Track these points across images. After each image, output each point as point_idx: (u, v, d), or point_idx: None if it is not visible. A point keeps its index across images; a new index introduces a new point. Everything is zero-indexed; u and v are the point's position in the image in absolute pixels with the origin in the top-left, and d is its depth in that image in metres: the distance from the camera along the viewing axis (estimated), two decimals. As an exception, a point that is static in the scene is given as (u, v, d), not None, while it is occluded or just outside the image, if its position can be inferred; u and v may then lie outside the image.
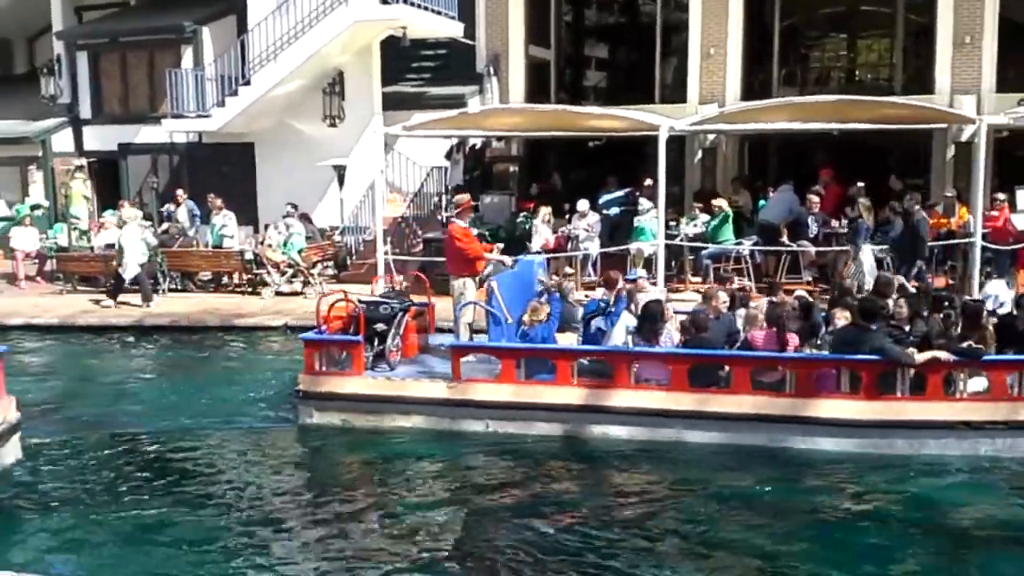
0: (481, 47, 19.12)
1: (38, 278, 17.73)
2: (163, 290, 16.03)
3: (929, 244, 12.92)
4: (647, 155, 15.38)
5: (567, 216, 15.66)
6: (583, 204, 15.17)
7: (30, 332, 14.05)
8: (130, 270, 15.08)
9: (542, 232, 15.12)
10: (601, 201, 16.23)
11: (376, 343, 9.47)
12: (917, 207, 12.90)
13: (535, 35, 19.50)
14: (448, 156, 18.00)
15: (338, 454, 8.84)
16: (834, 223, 14.47)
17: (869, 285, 10.91)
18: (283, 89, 18.03)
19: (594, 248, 15.02)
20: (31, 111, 20.47)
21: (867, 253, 12.38)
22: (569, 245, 15.10)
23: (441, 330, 11.16)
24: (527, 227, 15.85)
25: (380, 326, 9.42)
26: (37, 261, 17.95)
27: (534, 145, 18.76)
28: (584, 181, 17.52)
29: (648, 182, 15.70)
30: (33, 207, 19.00)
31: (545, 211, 15.29)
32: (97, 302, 15.46)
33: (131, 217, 16.20)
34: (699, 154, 17.96)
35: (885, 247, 13.05)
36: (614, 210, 16.20)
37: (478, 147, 18.72)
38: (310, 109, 18.48)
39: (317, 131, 18.47)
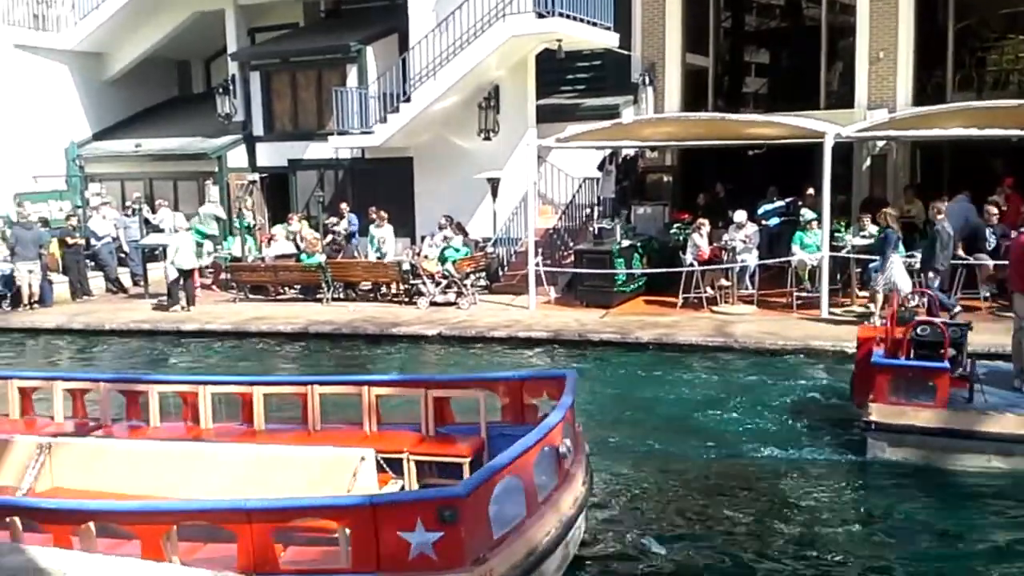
0: (637, 57, 18.95)
1: (213, 287, 18.80)
2: (327, 299, 16.67)
3: None
4: (810, 163, 14.80)
5: (722, 226, 15.28)
6: (740, 215, 14.74)
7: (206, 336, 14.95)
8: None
9: (698, 243, 14.80)
10: (760, 211, 15.75)
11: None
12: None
13: (692, 42, 19.17)
14: (601, 167, 17.91)
15: (923, 496, 7.55)
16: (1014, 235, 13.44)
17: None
18: (441, 105, 18.43)
19: (752, 260, 14.57)
20: (208, 129, 21.78)
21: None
22: (725, 257, 14.70)
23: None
24: (680, 238, 15.56)
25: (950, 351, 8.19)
26: (212, 271, 19.03)
27: (688, 155, 18.41)
28: (741, 191, 17.04)
29: (810, 191, 15.11)
30: (214, 218, 20.18)
31: (703, 222, 14.97)
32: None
33: (294, 230, 16.94)
34: (867, 162, 17.14)
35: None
36: (774, 221, 15.68)
37: (631, 157, 18.55)
38: (466, 123, 18.81)
39: (472, 144, 18.78)
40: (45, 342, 15.83)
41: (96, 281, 18.97)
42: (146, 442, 7.14)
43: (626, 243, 15.44)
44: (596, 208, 17.72)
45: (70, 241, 18.39)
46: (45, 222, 18.26)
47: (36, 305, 17.34)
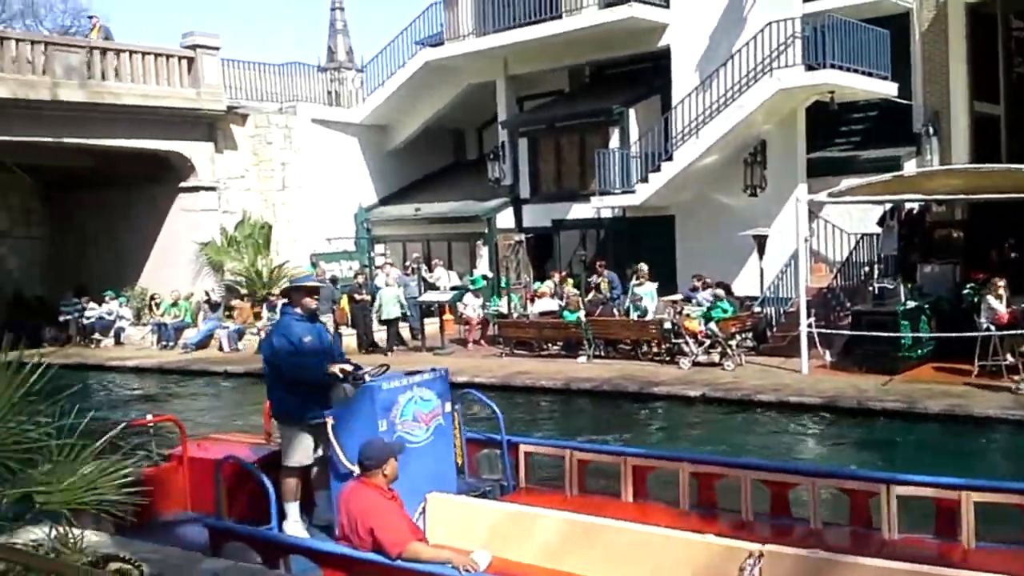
0: (918, 105, 17.76)
1: (482, 342, 19.53)
2: (589, 356, 16.77)
3: None
4: None
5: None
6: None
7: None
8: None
9: (993, 305, 13.38)
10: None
11: None
12: None
13: (980, 89, 17.68)
14: (881, 223, 16.79)
15: None
16: None
17: None
18: (704, 162, 18.21)
19: (1059, 324, 12.93)
20: (479, 192, 22.89)
21: None
22: (1028, 320, 13.16)
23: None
24: (974, 299, 14.15)
25: None
26: (480, 326, 19.80)
27: (980, 209, 16.82)
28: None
29: None
30: (482, 277, 21.17)
31: (999, 282, 13.55)
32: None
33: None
34: None
35: None
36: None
37: (916, 212, 17.26)
38: (730, 180, 18.42)
39: (737, 201, 18.33)
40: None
41: (379, 334, 20.32)
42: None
43: (912, 304, 14.28)
44: (876, 266, 16.61)
45: (358, 297, 19.87)
46: (334, 280, 19.85)
47: (326, 356, 18.80)
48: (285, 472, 6.29)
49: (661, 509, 6.64)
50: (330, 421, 6.03)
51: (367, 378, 6.19)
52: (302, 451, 6.37)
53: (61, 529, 4.41)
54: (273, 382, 6.52)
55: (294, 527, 6.22)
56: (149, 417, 7.26)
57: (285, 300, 6.90)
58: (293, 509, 6.28)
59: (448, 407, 6.53)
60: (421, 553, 5.14)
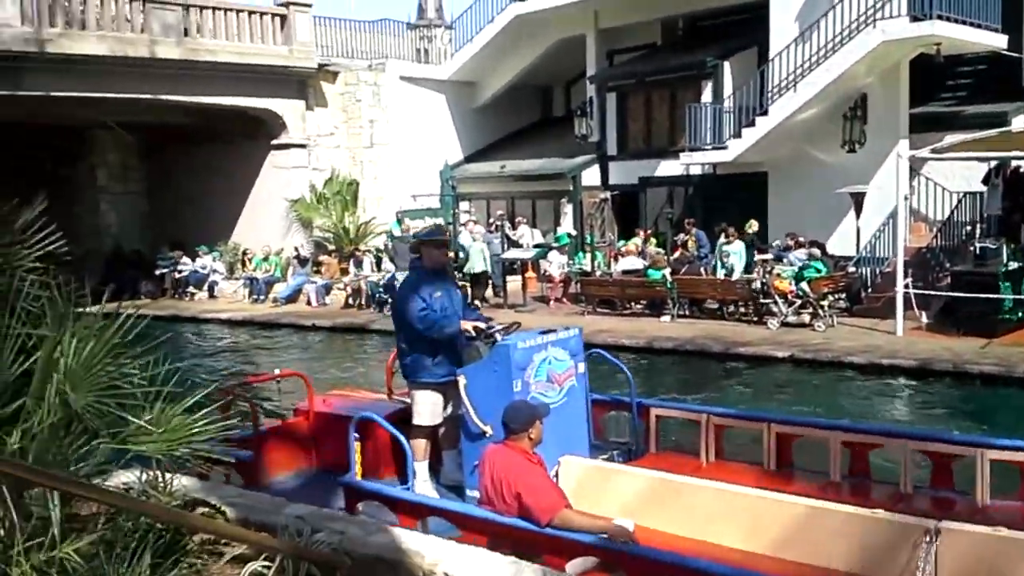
0: (1031, 58, 16.78)
1: (564, 299, 19.43)
2: (672, 315, 16.52)
3: None
4: None
5: None
6: None
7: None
8: None
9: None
10: None
11: None
12: None
13: (1097, 41, 16.59)
14: (986, 181, 15.97)
15: None
16: None
17: None
18: (800, 116, 17.59)
19: None
20: (566, 150, 22.65)
21: None
22: None
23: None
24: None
25: None
26: (563, 285, 19.69)
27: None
28: None
29: None
30: (567, 235, 21.00)
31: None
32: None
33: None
34: None
35: None
36: None
37: (1022, 170, 16.35)
38: (828, 135, 17.77)
39: (834, 157, 17.68)
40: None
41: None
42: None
43: (1015, 265, 13.59)
44: (979, 226, 15.86)
45: (442, 254, 19.94)
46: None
47: (410, 311, 18.98)
48: (415, 431, 6.14)
49: (806, 478, 6.15)
50: (462, 380, 5.82)
51: (498, 336, 5.98)
52: (432, 410, 6.21)
53: (151, 473, 4.54)
54: (403, 340, 6.24)
55: (423, 487, 6.09)
56: (277, 371, 7.14)
57: (416, 255, 6.52)
58: (422, 469, 6.13)
59: (582, 367, 6.24)
60: (572, 520, 4.81)
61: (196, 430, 4.18)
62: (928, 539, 4.41)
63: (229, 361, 16.60)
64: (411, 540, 4.70)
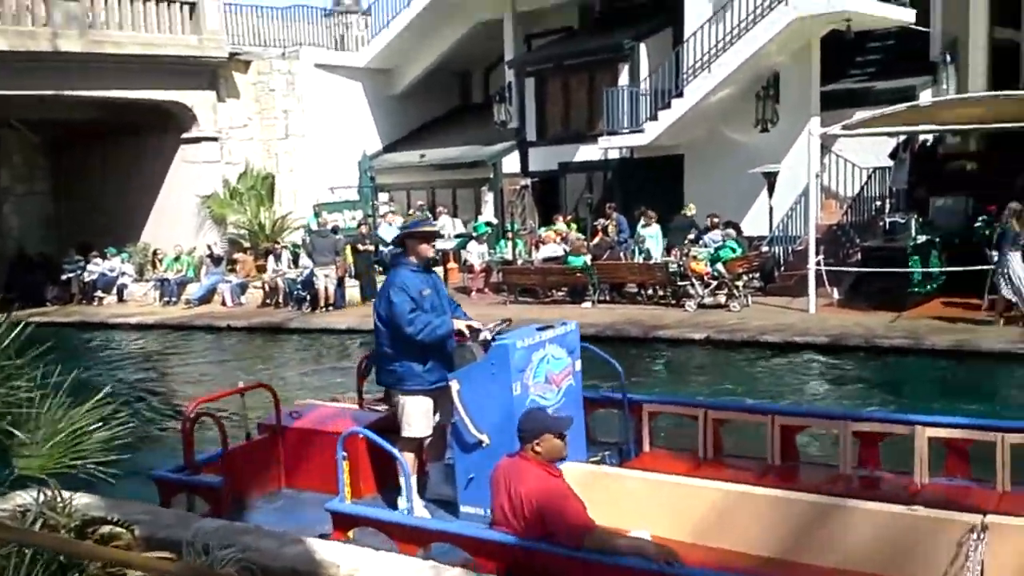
0: (936, 33, 17.01)
1: (486, 289, 19.20)
2: (593, 301, 16.41)
3: None
4: None
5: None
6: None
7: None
8: None
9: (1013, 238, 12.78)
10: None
11: None
12: None
13: (1000, 15, 16.84)
14: (893, 155, 16.17)
15: None
16: None
17: None
18: (715, 97, 17.61)
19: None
20: (485, 136, 22.39)
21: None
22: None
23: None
24: (986, 232, 13.55)
25: None
26: (484, 274, 19.46)
27: (996, 140, 16.12)
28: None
29: None
30: (486, 224, 20.77)
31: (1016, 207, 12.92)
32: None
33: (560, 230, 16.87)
34: None
35: None
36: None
37: (928, 144, 16.60)
38: (741, 116, 17.82)
39: (748, 137, 17.74)
40: (339, 341, 16.85)
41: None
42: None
43: (922, 239, 13.75)
44: (888, 201, 16.04)
45: (361, 248, 19.53)
46: (335, 230, 19.58)
47: (331, 308, 18.56)
48: (402, 444, 5.56)
49: (815, 473, 5.76)
50: (455, 385, 5.30)
51: (488, 335, 5.56)
52: (423, 420, 5.65)
53: (49, 493, 4.22)
54: (387, 344, 5.63)
55: (413, 505, 5.56)
56: (240, 384, 6.34)
57: (398, 249, 5.94)
58: (406, 485, 5.55)
59: (578, 365, 5.73)
60: (608, 541, 4.26)
61: (82, 442, 3.87)
62: (976, 536, 4.10)
63: (138, 368, 16.04)
64: (326, 550, 4.51)
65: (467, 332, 5.60)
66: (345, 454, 5.20)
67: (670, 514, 4.91)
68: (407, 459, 5.44)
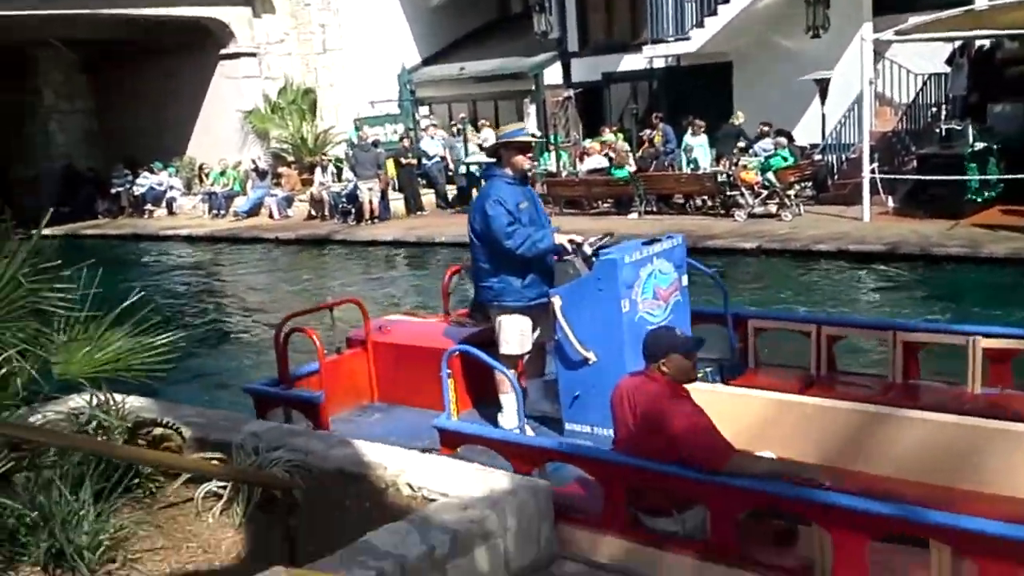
0: (997, -70, 16.31)
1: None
2: (639, 212, 16.37)
3: None
4: None
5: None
6: None
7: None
8: None
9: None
10: None
11: None
12: None
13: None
14: (950, 61, 15.73)
15: None
16: None
17: None
18: (763, 3, 17.16)
19: None
20: (525, 48, 21.98)
21: None
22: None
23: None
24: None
25: None
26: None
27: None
28: None
29: None
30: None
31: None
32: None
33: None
34: None
35: None
36: None
37: (987, 49, 16.11)
38: (791, 21, 17.31)
39: (799, 44, 17.29)
40: (384, 253, 17.01)
41: (427, 197, 20.08)
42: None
43: (980, 146, 13.48)
44: (944, 108, 15.68)
45: (404, 161, 19.55)
46: (376, 144, 19.54)
47: (376, 220, 18.68)
48: (500, 361, 5.37)
49: (937, 392, 5.33)
50: (557, 302, 5.12)
51: (589, 250, 5.32)
52: (522, 337, 5.47)
53: (101, 396, 4.38)
54: (484, 259, 5.43)
55: (513, 422, 5.33)
56: (329, 299, 6.33)
57: (493, 159, 5.67)
58: (510, 402, 5.37)
59: (685, 280, 5.48)
60: (748, 466, 3.96)
61: (125, 350, 4.00)
62: None
63: (191, 278, 16.34)
64: (373, 452, 4.60)
65: (569, 246, 5.37)
66: (450, 371, 5.07)
67: (791, 435, 4.65)
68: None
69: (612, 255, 5.09)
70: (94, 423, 4.35)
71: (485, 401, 5.65)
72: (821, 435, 4.61)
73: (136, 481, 4.22)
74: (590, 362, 5.03)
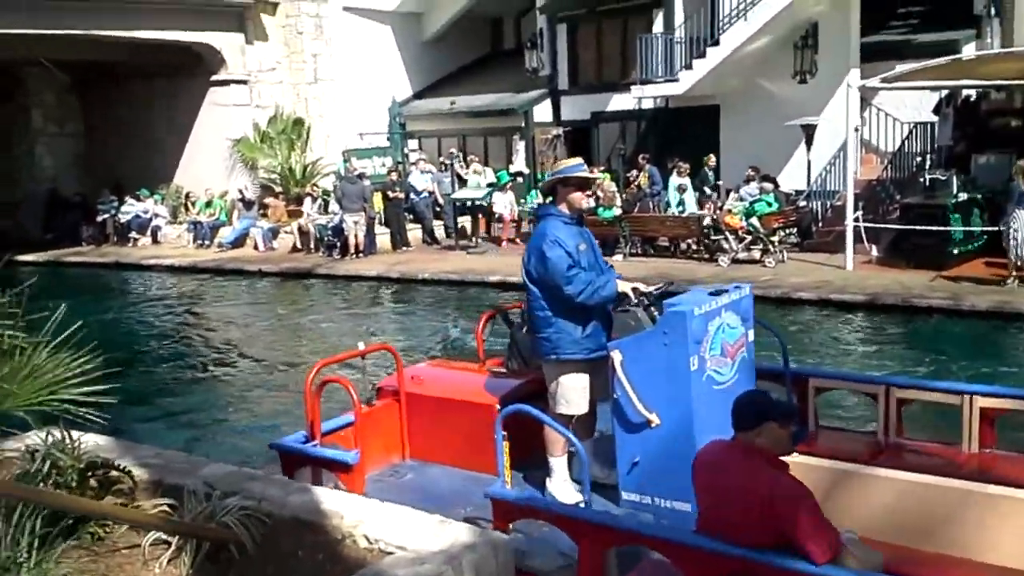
0: (981, -15, 16.56)
1: (516, 240, 19.14)
2: (625, 254, 16.33)
3: None
4: None
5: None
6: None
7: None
8: None
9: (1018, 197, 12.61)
10: None
11: None
12: None
13: (1049, -34, 16.40)
14: (936, 110, 15.88)
15: None
16: None
17: None
18: (752, 47, 17.29)
19: None
20: (517, 84, 22.13)
21: None
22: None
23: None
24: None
25: None
26: (515, 224, 19.38)
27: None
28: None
29: None
30: (515, 174, 20.63)
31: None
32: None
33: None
34: None
35: None
36: None
37: (972, 100, 16.28)
38: (779, 66, 17.51)
39: (785, 89, 17.45)
40: (367, 288, 16.88)
41: (414, 232, 20.03)
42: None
43: (964, 196, 13.56)
44: (929, 157, 15.79)
45: (391, 195, 19.51)
46: (362, 176, 19.52)
47: (361, 254, 18.59)
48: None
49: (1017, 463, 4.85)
50: (617, 356, 4.63)
51: (649, 299, 4.94)
52: (579, 395, 4.98)
53: (57, 433, 4.26)
54: (541, 306, 4.94)
55: (563, 488, 4.97)
56: (361, 346, 5.62)
57: (548, 198, 5.20)
58: (561, 466, 5.00)
59: (751, 335, 4.97)
60: (848, 562, 3.54)
61: (60, 378, 3.88)
62: None
63: (171, 310, 16.18)
64: (331, 500, 4.46)
65: (633, 296, 4.95)
66: (505, 433, 4.48)
67: (861, 508, 4.30)
68: (556, 438, 4.89)
69: (680, 307, 4.57)
70: (48, 462, 4.24)
71: (527, 462, 5.09)
72: (894, 511, 4.25)
73: (84, 525, 4.10)
74: (652, 425, 4.57)
